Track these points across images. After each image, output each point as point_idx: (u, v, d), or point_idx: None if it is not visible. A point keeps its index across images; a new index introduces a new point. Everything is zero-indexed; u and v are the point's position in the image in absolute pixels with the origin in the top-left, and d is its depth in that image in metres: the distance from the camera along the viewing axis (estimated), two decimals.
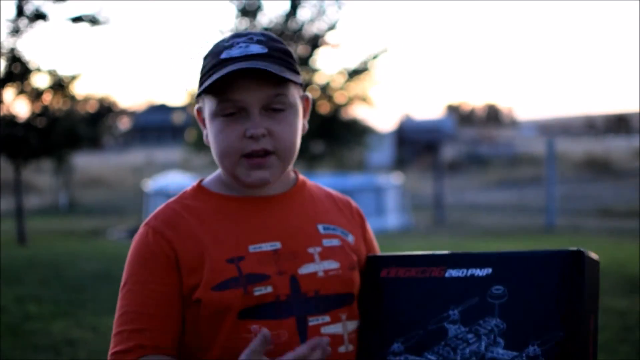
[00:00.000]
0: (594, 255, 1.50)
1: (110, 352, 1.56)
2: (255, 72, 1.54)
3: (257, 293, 1.54)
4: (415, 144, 39.46)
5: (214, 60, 1.58)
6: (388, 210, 15.65)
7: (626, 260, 8.95)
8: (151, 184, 16.10)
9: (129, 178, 29.01)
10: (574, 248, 1.48)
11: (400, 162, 33.71)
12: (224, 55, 1.57)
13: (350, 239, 1.69)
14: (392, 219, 15.66)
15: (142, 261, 1.58)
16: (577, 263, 1.46)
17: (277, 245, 1.59)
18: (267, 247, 1.58)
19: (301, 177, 1.74)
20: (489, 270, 1.53)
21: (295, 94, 1.62)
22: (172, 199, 1.67)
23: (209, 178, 1.71)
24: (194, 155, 19.20)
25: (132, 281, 1.58)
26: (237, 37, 1.61)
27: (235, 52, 1.57)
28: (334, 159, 19.01)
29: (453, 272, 1.57)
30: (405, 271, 1.61)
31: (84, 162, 30.51)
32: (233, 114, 1.56)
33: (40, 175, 25.92)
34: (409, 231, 15.10)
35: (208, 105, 1.60)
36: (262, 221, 1.61)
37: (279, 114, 1.58)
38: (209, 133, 1.62)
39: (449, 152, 35.19)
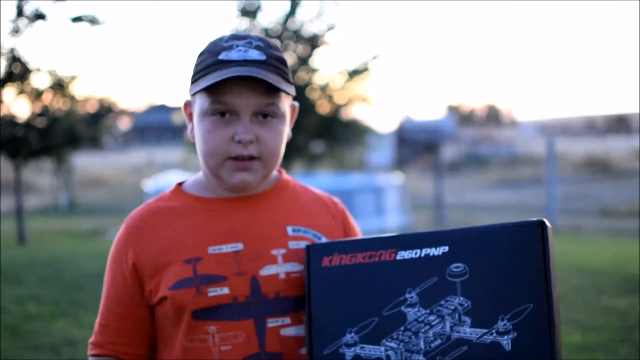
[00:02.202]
0: (549, 224, 1.45)
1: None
2: (251, 79, 1.55)
3: (211, 294, 1.56)
4: (415, 144, 39.45)
5: (211, 59, 1.59)
6: (388, 210, 15.65)
7: (626, 260, 8.95)
8: (151, 184, 16.09)
9: (129, 178, 29.01)
10: (535, 219, 1.43)
11: (400, 162, 33.70)
12: (222, 57, 1.58)
13: (323, 241, 1.68)
14: (392, 219, 15.65)
15: (112, 260, 1.68)
16: (541, 233, 1.41)
17: (239, 246, 1.61)
18: (227, 248, 1.60)
19: (285, 177, 1.75)
20: (445, 249, 1.47)
21: (286, 103, 1.64)
22: (151, 199, 1.72)
23: (188, 180, 1.74)
24: (193, 155, 19.19)
25: (106, 276, 1.69)
26: (236, 39, 1.62)
27: (234, 55, 1.58)
28: (334, 159, 19.00)
29: (405, 254, 1.49)
30: (350, 257, 1.53)
31: (84, 162, 30.53)
32: (224, 114, 1.58)
33: (40, 175, 25.92)
34: (409, 231, 15.06)
35: (199, 103, 1.61)
36: (228, 222, 1.63)
37: (268, 121, 1.60)
38: (197, 130, 1.63)
39: (449, 152, 35.17)
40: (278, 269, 1.60)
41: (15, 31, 12.94)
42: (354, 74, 17.33)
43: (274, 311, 1.58)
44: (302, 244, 1.64)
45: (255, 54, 1.59)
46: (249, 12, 17.09)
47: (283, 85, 1.58)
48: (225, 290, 1.56)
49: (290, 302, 1.60)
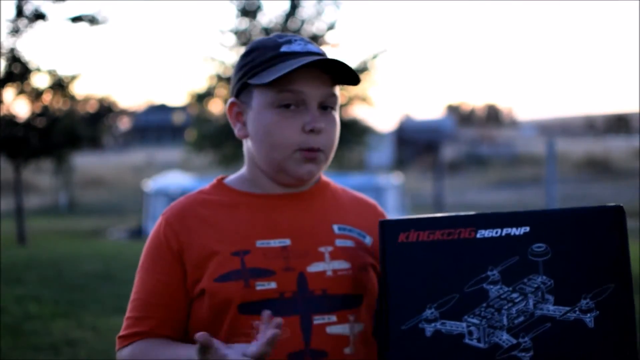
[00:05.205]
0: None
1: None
2: (318, 69, 1.56)
3: (259, 287, 1.54)
4: (415, 144, 39.47)
5: (272, 52, 1.59)
6: (388, 210, 15.63)
7: None
8: (151, 184, 16.08)
9: (129, 178, 29.02)
10: (613, 204, 1.49)
11: (400, 162, 33.71)
12: (284, 49, 1.59)
13: (368, 240, 1.68)
14: None
15: (151, 251, 1.63)
16: (620, 217, 1.47)
17: (287, 242, 1.59)
18: (275, 243, 1.59)
19: (324, 178, 1.75)
20: (527, 229, 1.49)
21: (338, 98, 1.65)
22: (191, 192, 1.70)
23: (231, 176, 1.72)
24: (194, 155, 19.19)
25: (142, 269, 1.63)
26: (286, 36, 1.64)
27: (296, 47, 1.59)
28: (334, 159, 18.98)
29: (485, 233, 1.51)
30: (427, 234, 1.53)
31: (84, 162, 30.53)
32: (289, 105, 1.58)
33: (40, 175, 25.91)
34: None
35: (260, 97, 1.60)
36: (275, 217, 1.62)
37: (329, 113, 1.61)
38: (257, 125, 1.61)
39: (449, 152, 35.18)
40: (325, 266, 1.59)
41: (15, 31, 12.95)
42: None
43: (320, 308, 1.56)
44: (349, 243, 1.63)
45: (314, 48, 1.61)
46: (249, 12, 17.09)
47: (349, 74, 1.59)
48: (273, 285, 1.55)
49: (337, 299, 1.58)
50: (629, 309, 1.44)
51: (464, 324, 1.47)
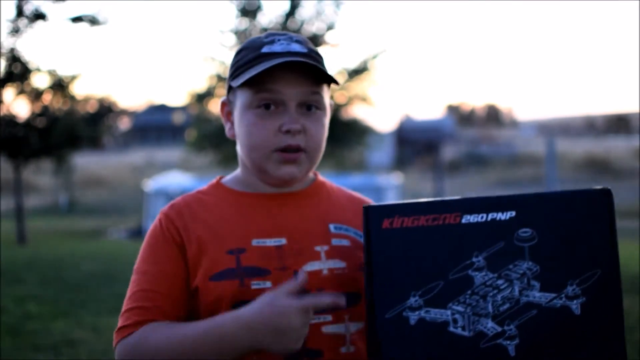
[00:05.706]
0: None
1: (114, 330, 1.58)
2: (296, 68, 1.55)
3: (254, 287, 1.53)
4: (415, 144, 39.50)
5: (253, 53, 1.59)
6: None
7: (626, 260, 8.96)
8: (151, 184, 16.08)
9: (129, 178, 29.04)
10: (600, 187, 1.44)
11: (400, 162, 33.72)
12: (265, 50, 1.58)
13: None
14: None
15: (152, 244, 1.60)
16: (607, 201, 1.44)
17: (282, 241, 1.59)
18: (271, 242, 1.58)
19: (320, 178, 1.75)
20: (512, 213, 1.44)
21: (326, 96, 1.64)
22: (189, 193, 1.69)
23: (228, 177, 1.72)
24: (194, 155, 19.20)
25: (142, 262, 1.60)
26: (274, 35, 1.62)
27: (277, 47, 1.58)
28: (334, 159, 19.01)
29: (470, 218, 1.46)
30: (412, 220, 1.47)
31: (84, 162, 30.54)
32: (269, 106, 1.57)
33: (40, 175, 25.93)
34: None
35: (242, 97, 1.60)
36: (271, 217, 1.62)
37: (313, 112, 1.59)
38: (239, 125, 1.61)
39: (449, 152, 35.21)
40: (321, 265, 1.58)
41: (15, 31, 12.97)
42: (354, 73, 17.34)
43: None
44: (344, 242, 1.63)
45: (297, 47, 1.59)
46: (249, 12, 17.11)
47: (327, 74, 1.58)
48: (268, 284, 1.54)
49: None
50: (617, 295, 1.42)
51: (449, 312, 1.43)
